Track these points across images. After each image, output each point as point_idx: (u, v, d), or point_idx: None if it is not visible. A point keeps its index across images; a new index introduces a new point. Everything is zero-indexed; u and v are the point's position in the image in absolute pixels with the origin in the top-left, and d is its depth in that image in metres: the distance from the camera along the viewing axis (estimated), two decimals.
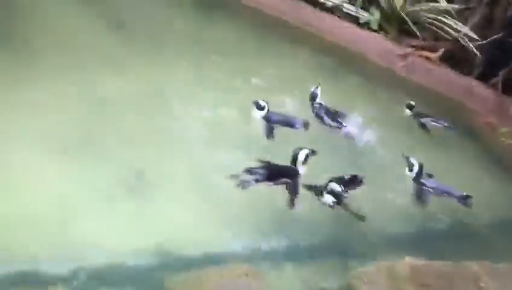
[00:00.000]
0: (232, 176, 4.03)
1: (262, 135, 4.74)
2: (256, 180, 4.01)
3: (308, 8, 7.42)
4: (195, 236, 3.62)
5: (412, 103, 5.85)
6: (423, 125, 5.74)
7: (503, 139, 6.02)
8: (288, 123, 4.85)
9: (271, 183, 4.08)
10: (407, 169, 4.74)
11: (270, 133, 4.74)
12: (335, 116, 5.20)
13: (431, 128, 5.72)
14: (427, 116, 5.84)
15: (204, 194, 3.97)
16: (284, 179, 4.12)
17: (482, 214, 4.66)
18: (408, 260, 3.59)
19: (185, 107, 4.85)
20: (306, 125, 4.88)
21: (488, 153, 5.77)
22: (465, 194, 4.61)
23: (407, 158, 4.77)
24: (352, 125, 5.27)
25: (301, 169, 4.21)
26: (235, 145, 4.50)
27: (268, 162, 4.18)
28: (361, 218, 4.09)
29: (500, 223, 4.65)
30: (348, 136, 5.18)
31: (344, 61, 6.84)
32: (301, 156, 4.22)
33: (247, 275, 3.04)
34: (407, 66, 6.89)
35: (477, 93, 6.67)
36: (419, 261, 3.60)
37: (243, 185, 4.00)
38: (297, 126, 4.84)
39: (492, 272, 3.70)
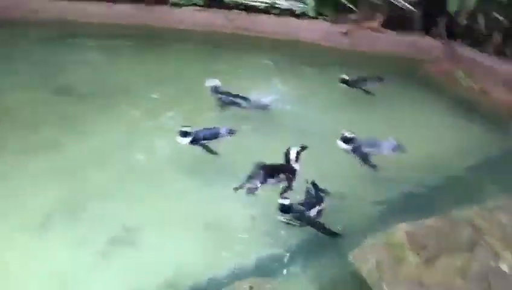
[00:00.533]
0: (236, 188, 4.15)
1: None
2: (261, 183, 4.19)
3: (243, 14, 7.60)
4: (197, 267, 3.69)
5: (345, 76, 5.88)
6: (366, 92, 5.85)
7: (461, 81, 6.18)
8: (215, 134, 4.86)
9: (273, 180, 4.27)
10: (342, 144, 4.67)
11: (210, 151, 4.74)
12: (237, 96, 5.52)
13: (373, 89, 5.83)
14: (363, 80, 5.92)
15: (193, 224, 4.05)
16: (283, 175, 4.31)
17: (456, 159, 4.79)
18: (403, 226, 3.67)
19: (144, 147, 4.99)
20: (231, 131, 4.90)
21: (450, 99, 5.91)
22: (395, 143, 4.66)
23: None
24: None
25: (296, 166, 4.36)
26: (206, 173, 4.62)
27: (264, 163, 4.31)
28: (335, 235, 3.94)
29: (475, 163, 4.77)
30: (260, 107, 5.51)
31: (294, 54, 7.02)
32: (293, 154, 4.37)
33: (251, 287, 3.10)
34: (353, 40, 7.07)
35: (424, 46, 6.86)
36: (414, 225, 3.67)
37: (251, 191, 4.18)
38: (223, 134, 4.85)
39: (482, 212, 3.81)
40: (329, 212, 4.06)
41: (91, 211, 4.20)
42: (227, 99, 5.54)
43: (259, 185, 4.18)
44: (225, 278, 3.52)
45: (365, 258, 3.42)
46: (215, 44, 7.33)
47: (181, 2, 7.88)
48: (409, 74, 6.37)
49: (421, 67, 6.51)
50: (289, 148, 4.39)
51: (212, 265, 3.70)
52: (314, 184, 4.17)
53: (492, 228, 3.66)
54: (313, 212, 4.00)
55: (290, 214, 3.91)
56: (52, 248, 3.87)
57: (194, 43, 7.40)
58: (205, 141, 4.78)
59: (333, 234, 3.91)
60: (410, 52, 6.86)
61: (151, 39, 7.47)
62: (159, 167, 4.74)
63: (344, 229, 3.97)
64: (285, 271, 3.65)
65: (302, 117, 5.55)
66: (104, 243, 3.89)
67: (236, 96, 5.54)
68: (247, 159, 4.43)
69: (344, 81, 5.92)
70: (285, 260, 3.74)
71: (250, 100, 5.54)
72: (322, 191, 4.17)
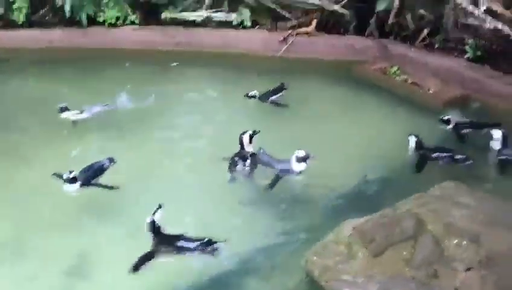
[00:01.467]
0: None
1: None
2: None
3: (181, 29, 7.65)
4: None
5: (253, 92, 5.89)
6: (277, 104, 5.91)
7: (396, 77, 6.48)
8: (98, 169, 4.70)
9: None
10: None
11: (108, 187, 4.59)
12: None
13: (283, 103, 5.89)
14: (272, 93, 5.99)
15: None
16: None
17: (395, 150, 4.99)
18: (350, 222, 3.82)
19: None
20: (111, 160, 4.78)
21: (386, 94, 6.15)
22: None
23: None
24: None
25: (250, 148, 4.80)
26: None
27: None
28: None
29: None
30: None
31: (235, 65, 7.12)
32: (246, 139, 4.79)
33: None
34: (291, 47, 7.25)
35: (358, 46, 7.13)
36: (361, 220, 3.82)
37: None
38: (106, 165, 4.74)
39: (424, 202, 4.01)
40: (278, 219, 4.16)
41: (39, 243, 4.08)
42: None
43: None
44: None
45: (316, 259, 3.53)
46: (155, 62, 7.33)
47: (117, 23, 7.84)
48: (346, 75, 6.62)
49: (357, 66, 6.77)
50: (242, 133, 4.80)
51: None
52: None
53: (433, 216, 3.86)
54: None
55: None
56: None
57: (136, 63, 7.34)
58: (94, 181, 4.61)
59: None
60: (346, 53, 7.12)
61: (90, 61, 7.37)
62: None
63: (295, 232, 4.06)
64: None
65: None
66: (57, 277, 3.79)
67: None
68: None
69: (251, 96, 5.95)
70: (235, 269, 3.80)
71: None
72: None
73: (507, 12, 6.01)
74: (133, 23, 7.94)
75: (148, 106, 5.88)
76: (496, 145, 4.86)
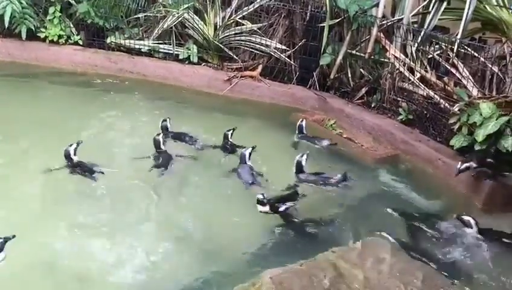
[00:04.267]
0: None
1: None
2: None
3: (125, 56, 7.52)
4: None
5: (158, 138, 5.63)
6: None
7: (332, 130, 6.63)
8: None
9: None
10: None
11: None
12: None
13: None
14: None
15: None
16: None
17: (325, 203, 5.03)
18: (269, 272, 3.73)
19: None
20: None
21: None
22: None
23: None
24: None
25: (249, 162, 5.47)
26: None
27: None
28: None
29: (343, 206, 5.05)
30: None
31: (175, 98, 7.04)
32: (247, 153, 5.47)
33: None
34: (234, 88, 7.29)
35: (299, 96, 7.31)
36: (280, 270, 3.74)
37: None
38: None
39: (346, 254, 4.02)
40: (198, 261, 3.99)
41: None
42: None
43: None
44: None
45: None
46: (93, 85, 7.12)
47: (60, 41, 7.60)
48: (285, 121, 6.69)
49: (297, 115, 6.88)
50: (244, 149, 5.47)
51: None
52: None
53: (354, 270, 3.86)
54: None
55: None
56: None
57: (73, 84, 7.11)
58: None
59: None
60: (287, 101, 7.27)
61: (26, 78, 7.06)
62: None
63: (214, 278, 3.91)
64: None
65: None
66: None
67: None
68: None
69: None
70: None
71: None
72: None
73: (439, 83, 6.38)
74: (76, 43, 7.75)
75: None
76: None
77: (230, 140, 5.89)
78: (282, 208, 4.70)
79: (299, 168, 5.41)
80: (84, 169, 4.98)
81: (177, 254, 4.18)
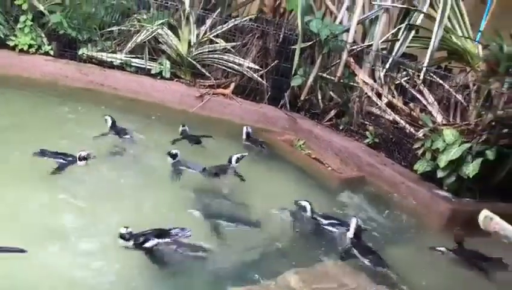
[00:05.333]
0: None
1: None
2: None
3: (96, 68, 7.46)
4: None
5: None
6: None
7: (301, 150, 6.69)
8: None
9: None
10: None
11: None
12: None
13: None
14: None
15: None
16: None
17: (286, 223, 5.01)
18: None
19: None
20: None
21: (289, 165, 6.30)
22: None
23: None
24: None
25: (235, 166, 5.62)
26: None
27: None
28: None
29: (305, 228, 5.01)
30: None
31: (144, 112, 6.99)
32: (234, 159, 5.60)
33: None
34: (205, 105, 7.30)
35: (270, 115, 7.37)
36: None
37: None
38: None
39: (306, 278, 4.01)
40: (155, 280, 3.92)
41: None
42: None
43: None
44: None
45: None
46: (63, 96, 7.01)
47: (30, 50, 7.49)
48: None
49: (267, 134, 6.93)
50: (232, 155, 5.61)
51: None
52: None
53: None
54: None
55: None
56: None
57: (42, 94, 6.98)
58: None
59: None
60: (258, 120, 7.30)
61: None
62: None
63: None
64: None
65: None
66: None
67: None
68: None
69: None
70: None
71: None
72: None
73: (406, 108, 6.54)
74: (47, 53, 7.65)
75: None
76: None
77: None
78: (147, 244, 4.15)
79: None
80: None
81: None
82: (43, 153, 5.15)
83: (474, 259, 4.83)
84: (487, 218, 4.44)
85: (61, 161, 5.18)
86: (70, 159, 5.21)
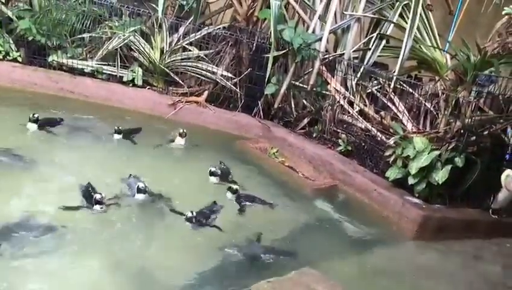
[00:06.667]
0: None
1: None
2: None
3: (67, 76, 7.33)
4: None
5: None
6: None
7: (275, 158, 6.70)
8: None
9: None
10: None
11: None
12: None
13: None
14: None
15: None
16: None
17: (264, 232, 4.99)
18: None
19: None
20: None
21: (262, 173, 6.26)
22: None
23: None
24: None
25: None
26: None
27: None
28: None
29: (281, 235, 5.02)
30: None
31: (114, 119, 6.87)
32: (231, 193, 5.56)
33: None
34: (178, 113, 7.25)
35: (244, 123, 7.36)
36: None
37: None
38: None
39: (280, 287, 3.95)
40: None
41: None
42: None
43: None
44: None
45: None
46: (32, 104, 6.83)
47: None
48: (228, 148, 6.69)
49: (240, 142, 6.91)
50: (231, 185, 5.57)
51: None
52: None
53: None
54: None
55: None
56: None
57: (9, 103, 6.78)
58: None
59: None
60: (231, 127, 7.28)
61: None
62: None
63: None
64: None
65: None
66: None
67: None
68: None
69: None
70: None
71: None
72: None
73: (377, 116, 6.63)
74: (15, 60, 7.48)
75: None
76: None
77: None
78: None
79: None
80: None
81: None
82: None
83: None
84: (509, 177, 5.38)
85: None
86: None
